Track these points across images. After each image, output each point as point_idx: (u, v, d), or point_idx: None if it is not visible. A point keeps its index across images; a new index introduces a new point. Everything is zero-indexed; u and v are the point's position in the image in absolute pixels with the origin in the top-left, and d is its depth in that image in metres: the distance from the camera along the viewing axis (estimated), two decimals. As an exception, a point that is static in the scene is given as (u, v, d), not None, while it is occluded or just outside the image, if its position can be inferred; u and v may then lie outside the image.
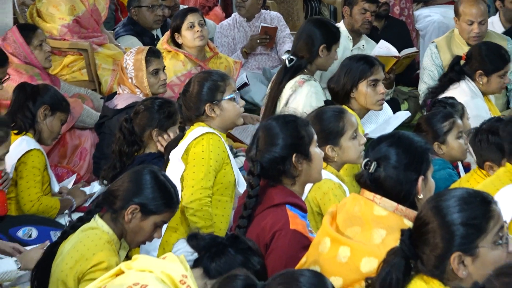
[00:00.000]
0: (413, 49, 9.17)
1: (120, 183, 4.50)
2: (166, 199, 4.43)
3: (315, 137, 4.62)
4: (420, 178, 3.75)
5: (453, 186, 5.26)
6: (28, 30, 7.61)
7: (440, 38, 8.68)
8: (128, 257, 4.60)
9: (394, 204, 3.73)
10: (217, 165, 5.21)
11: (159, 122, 5.86)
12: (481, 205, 3.18)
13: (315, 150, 4.56)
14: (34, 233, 5.86)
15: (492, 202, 3.24)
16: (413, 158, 3.83)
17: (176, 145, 5.38)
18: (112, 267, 4.09)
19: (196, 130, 5.31)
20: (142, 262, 3.79)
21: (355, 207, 3.90)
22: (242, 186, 5.43)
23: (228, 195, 5.46)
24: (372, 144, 4.09)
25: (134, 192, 4.35)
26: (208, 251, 3.40)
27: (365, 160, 3.89)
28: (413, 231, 3.26)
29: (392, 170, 3.77)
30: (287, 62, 6.93)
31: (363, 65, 6.34)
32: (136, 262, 3.80)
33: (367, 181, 3.81)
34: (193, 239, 3.58)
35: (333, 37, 7.16)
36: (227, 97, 5.35)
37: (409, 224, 3.63)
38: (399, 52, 8.21)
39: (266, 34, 8.91)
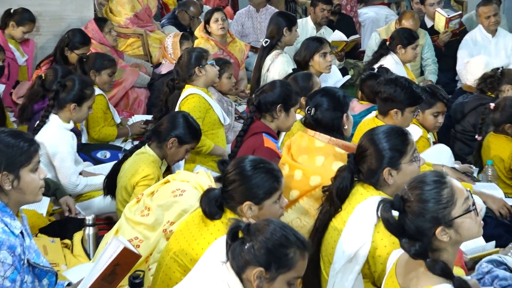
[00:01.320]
0: (357, 36, 9.39)
1: (164, 122, 5.13)
2: (194, 133, 5.10)
3: (299, 104, 5.27)
4: (344, 115, 4.41)
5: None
6: (101, 21, 8.10)
7: (381, 28, 9.06)
8: (168, 171, 5.21)
9: (328, 137, 4.31)
10: (201, 114, 5.83)
11: None
12: (401, 136, 3.80)
13: (293, 112, 5.17)
14: (108, 154, 6.39)
15: (408, 133, 3.86)
16: (338, 102, 4.44)
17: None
18: (155, 179, 4.81)
19: (186, 91, 6.04)
20: (182, 175, 4.38)
21: (302, 141, 4.43)
22: (226, 120, 6.37)
23: (216, 128, 6.15)
24: (310, 96, 4.72)
25: (173, 128, 4.98)
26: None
27: (307, 108, 4.51)
28: (355, 154, 3.83)
29: (325, 112, 4.39)
30: (263, 43, 7.55)
31: (316, 42, 7.02)
32: (178, 175, 4.42)
33: (310, 122, 4.44)
34: (222, 163, 3.73)
35: (291, 22, 7.62)
36: (209, 63, 6.11)
37: (339, 151, 4.30)
38: (348, 37, 8.49)
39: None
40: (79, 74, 6.07)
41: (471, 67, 7.33)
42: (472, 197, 2.95)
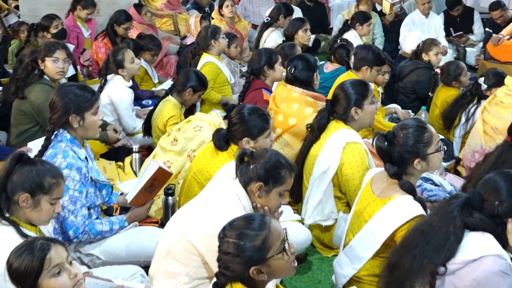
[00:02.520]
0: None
1: (181, 77, 5.01)
2: (203, 84, 4.98)
3: (279, 59, 5.18)
4: (314, 74, 4.45)
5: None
6: (138, 6, 7.85)
7: (344, 12, 8.80)
8: (189, 113, 5.09)
9: (301, 90, 4.34)
10: (214, 76, 5.73)
11: None
12: (363, 85, 3.86)
13: (279, 68, 5.12)
14: (150, 102, 6.21)
15: (368, 83, 3.96)
16: (310, 65, 4.44)
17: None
18: (178, 118, 4.73)
19: (203, 59, 5.92)
20: (200, 116, 4.34)
21: (283, 93, 4.44)
22: (232, 80, 6.22)
23: (225, 85, 5.99)
24: (290, 60, 4.60)
25: (188, 81, 4.87)
26: (231, 112, 3.52)
27: (287, 68, 4.51)
28: (331, 100, 3.87)
29: (300, 71, 4.39)
30: (265, 20, 7.38)
31: (299, 21, 6.79)
32: (197, 115, 4.37)
33: (289, 78, 4.44)
34: (225, 105, 3.82)
35: (288, 11, 7.39)
36: (221, 36, 6.03)
37: (310, 99, 4.34)
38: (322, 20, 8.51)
39: None
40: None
41: (408, 39, 7.39)
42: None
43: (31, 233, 2.58)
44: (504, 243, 2.41)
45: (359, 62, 5.05)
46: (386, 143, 2.99)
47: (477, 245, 2.38)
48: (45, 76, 4.63)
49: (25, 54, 4.73)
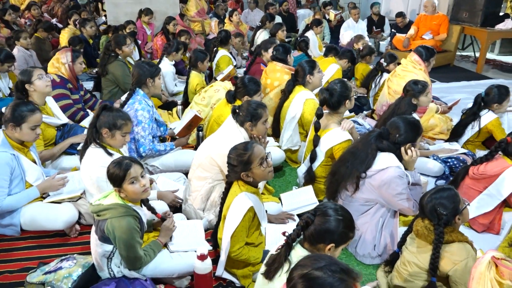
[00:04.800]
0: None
1: (192, 56, 4.50)
2: (205, 53, 4.50)
3: (271, 46, 4.63)
4: (288, 55, 4.18)
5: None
6: (181, 15, 7.37)
7: (306, 19, 8.39)
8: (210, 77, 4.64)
9: (282, 64, 4.10)
10: (227, 64, 5.09)
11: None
12: (312, 61, 3.69)
13: (270, 51, 4.48)
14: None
15: (315, 61, 3.72)
16: (286, 49, 4.19)
17: None
18: (203, 83, 4.43)
19: (219, 52, 5.21)
20: (217, 83, 4.03)
21: (271, 66, 4.18)
22: (234, 62, 5.57)
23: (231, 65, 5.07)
24: (275, 48, 4.29)
25: (197, 57, 4.43)
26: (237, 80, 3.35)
27: (273, 51, 4.23)
28: (294, 72, 3.67)
29: (281, 53, 4.17)
30: (258, 24, 6.91)
31: (279, 25, 6.18)
32: (216, 83, 4.06)
33: (275, 57, 4.17)
34: (235, 77, 3.77)
35: (271, 18, 6.81)
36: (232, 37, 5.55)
37: (287, 70, 4.01)
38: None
39: None
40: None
41: (345, 36, 7.18)
42: None
43: (115, 152, 2.54)
44: (400, 159, 2.39)
45: (344, 55, 4.89)
46: (327, 94, 2.91)
47: (385, 160, 2.37)
48: (119, 57, 4.52)
49: (109, 44, 4.60)
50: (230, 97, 3.36)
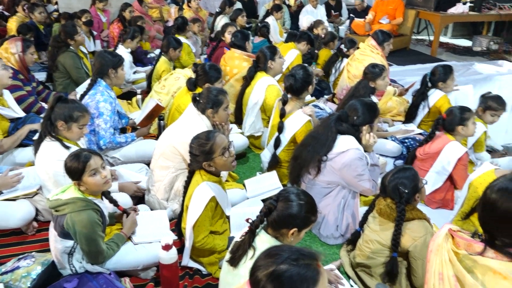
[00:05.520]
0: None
1: (165, 43, 4.39)
2: (179, 43, 4.37)
3: (231, 29, 4.77)
4: (247, 42, 4.14)
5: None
6: (139, 1, 7.00)
7: (266, 4, 8.03)
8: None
9: (240, 51, 4.06)
10: (187, 50, 5.01)
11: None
12: (273, 47, 3.69)
13: (229, 36, 4.67)
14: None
15: (276, 47, 3.73)
16: (245, 36, 4.17)
17: None
18: (168, 69, 4.24)
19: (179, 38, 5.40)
20: (177, 70, 3.95)
21: (229, 53, 4.17)
22: (193, 49, 5.33)
23: (191, 52, 5.15)
24: (233, 34, 4.31)
25: (170, 45, 4.31)
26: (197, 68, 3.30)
27: (231, 38, 4.22)
28: (256, 58, 3.63)
29: (240, 40, 4.15)
30: (217, 10, 6.75)
31: (239, 10, 6.26)
32: (176, 70, 3.97)
33: (233, 44, 4.13)
34: (195, 65, 3.57)
35: (231, 3, 6.73)
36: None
37: (245, 57, 4.03)
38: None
39: None
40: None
41: (304, 21, 7.08)
42: None
43: (72, 145, 2.45)
44: (359, 141, 2.43)
45: (302, 38, 4.78)
46: (292, 81, 2.94)
47: (345, 143, 2.40)
48: (70, 47, 4.34)
49: (58, 35, 4.42)
50: (191, 84, 3.30)
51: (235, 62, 4.07)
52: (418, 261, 1.90)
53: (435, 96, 3.55)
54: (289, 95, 2.98)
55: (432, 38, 7.87)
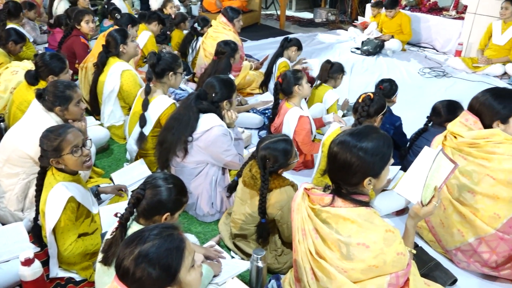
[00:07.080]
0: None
1: (2, 34, 4.00)
2: (22, 37, 4.04)
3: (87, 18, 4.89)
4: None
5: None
6: None
7: None
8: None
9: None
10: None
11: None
12: (123, 30, 3.50)
13: (86, 26, 4.46)
14: None
15: (125, 29, 3.56)
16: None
17: None
18: (7, 63, 3.63)
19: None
20: (15, 63, 3.71)
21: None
22: (31, 38, 5.36)
23: (28, 44, 4.46)
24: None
25: (10, 36, 3.94)
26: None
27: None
28: (105, 44, 3.43)
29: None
30: None
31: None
32: (12, 63, 3.79)
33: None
34: (35, 55, 3.51)
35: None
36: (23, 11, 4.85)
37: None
38: None
39: None
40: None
41: (153, 2, 6.69)
42: None
43: None
44: (221, 117, 2.48)
45: (151, 18, 4.65)
46: (154, 59, 2.83)
47: (208, 121, 2.43)
48: None
49: None
50: (31, 78, 2.96)
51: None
52: (283, 225, 2.03)
53: (281, 64, 3.80)
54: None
55: (279, 12, 8.25)
